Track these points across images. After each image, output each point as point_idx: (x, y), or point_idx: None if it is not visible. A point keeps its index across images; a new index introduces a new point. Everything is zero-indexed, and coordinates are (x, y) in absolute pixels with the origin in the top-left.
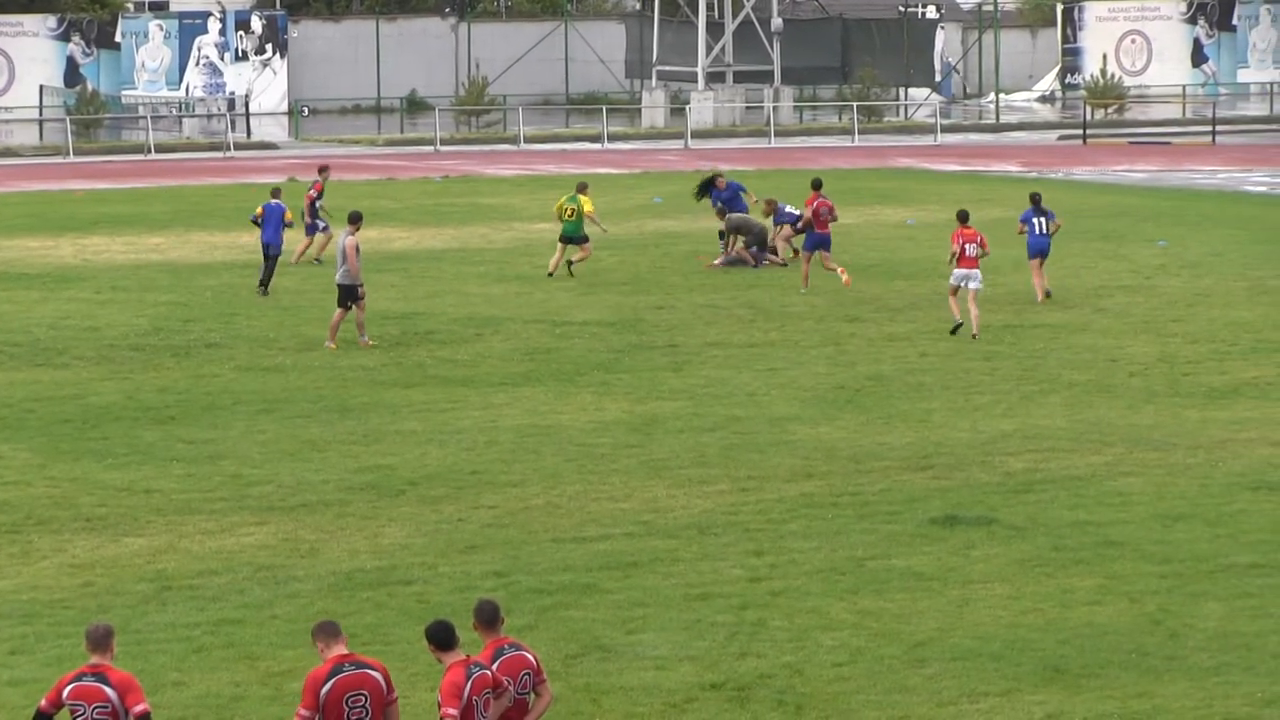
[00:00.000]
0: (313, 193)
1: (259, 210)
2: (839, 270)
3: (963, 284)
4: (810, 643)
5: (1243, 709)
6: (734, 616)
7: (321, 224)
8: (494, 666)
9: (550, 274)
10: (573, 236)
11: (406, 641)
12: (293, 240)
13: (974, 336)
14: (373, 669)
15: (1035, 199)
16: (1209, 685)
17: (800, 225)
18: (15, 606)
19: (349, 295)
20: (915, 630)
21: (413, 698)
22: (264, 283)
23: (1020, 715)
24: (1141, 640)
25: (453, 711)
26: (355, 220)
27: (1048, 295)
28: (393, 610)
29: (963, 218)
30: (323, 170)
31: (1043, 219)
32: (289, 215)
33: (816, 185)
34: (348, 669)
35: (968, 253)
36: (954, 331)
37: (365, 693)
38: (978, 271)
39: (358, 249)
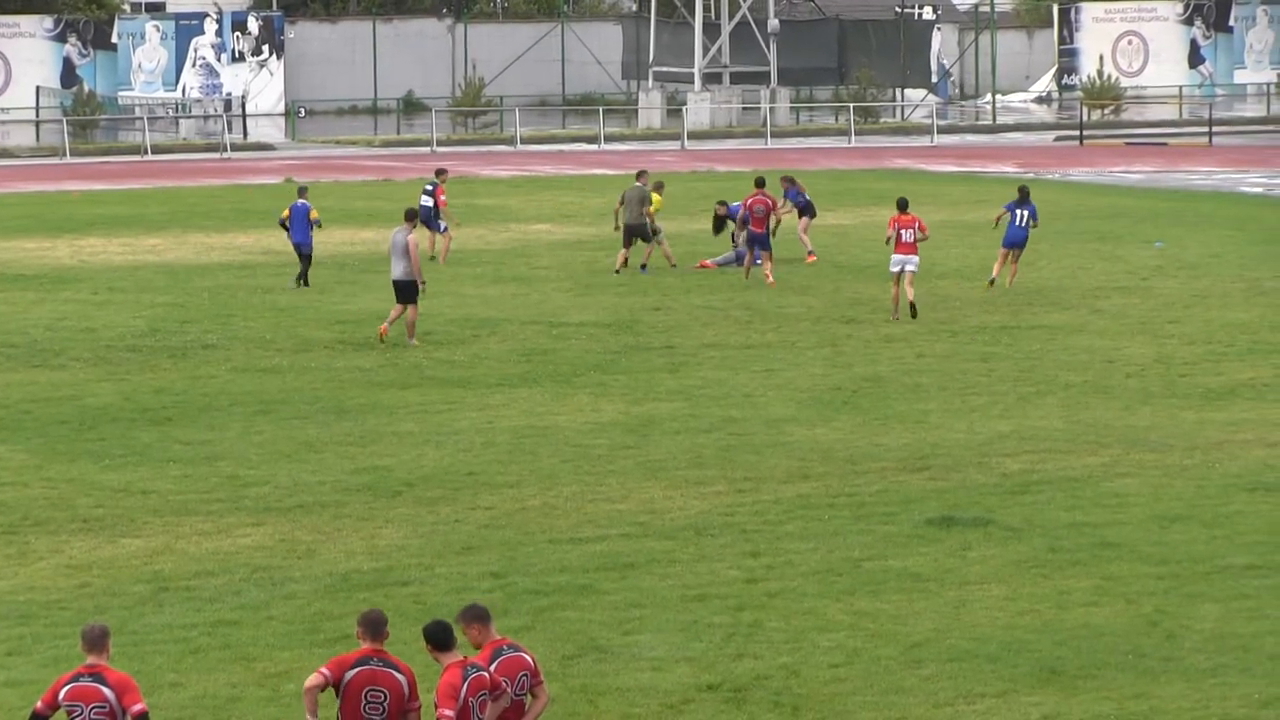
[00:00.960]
0: (444, 197)
1: (286, 212)
2: (767, 271)
3: (901, 268)
4: (807, 644)
5: (1239, 710)
6: (730, 618)
7: (442, 225)
8: (492, 667)
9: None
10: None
11: (403, 643)
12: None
13: (911, 305)
14: (399, 671)
15: (1023, 191)
16: (1206, 686)
17: (739, 223)
18: (12, 608)
19: (408, 292)
20: (912, 631)
21: None
22: (301, 277)
23: (1017, 716)
24: (1138, 641)
25: (449, 713)
26: (411, 218)
27: (991, 283)
28: (389, 611)
29: (901, 205)
30: (441, 173)
31: (1025, 211)
32: (315, 214)
33: (759, 183)
34: (374, 663)
35: (904, 238)
36: (894, 318)
37: (385, 691)
38: (915, 257)
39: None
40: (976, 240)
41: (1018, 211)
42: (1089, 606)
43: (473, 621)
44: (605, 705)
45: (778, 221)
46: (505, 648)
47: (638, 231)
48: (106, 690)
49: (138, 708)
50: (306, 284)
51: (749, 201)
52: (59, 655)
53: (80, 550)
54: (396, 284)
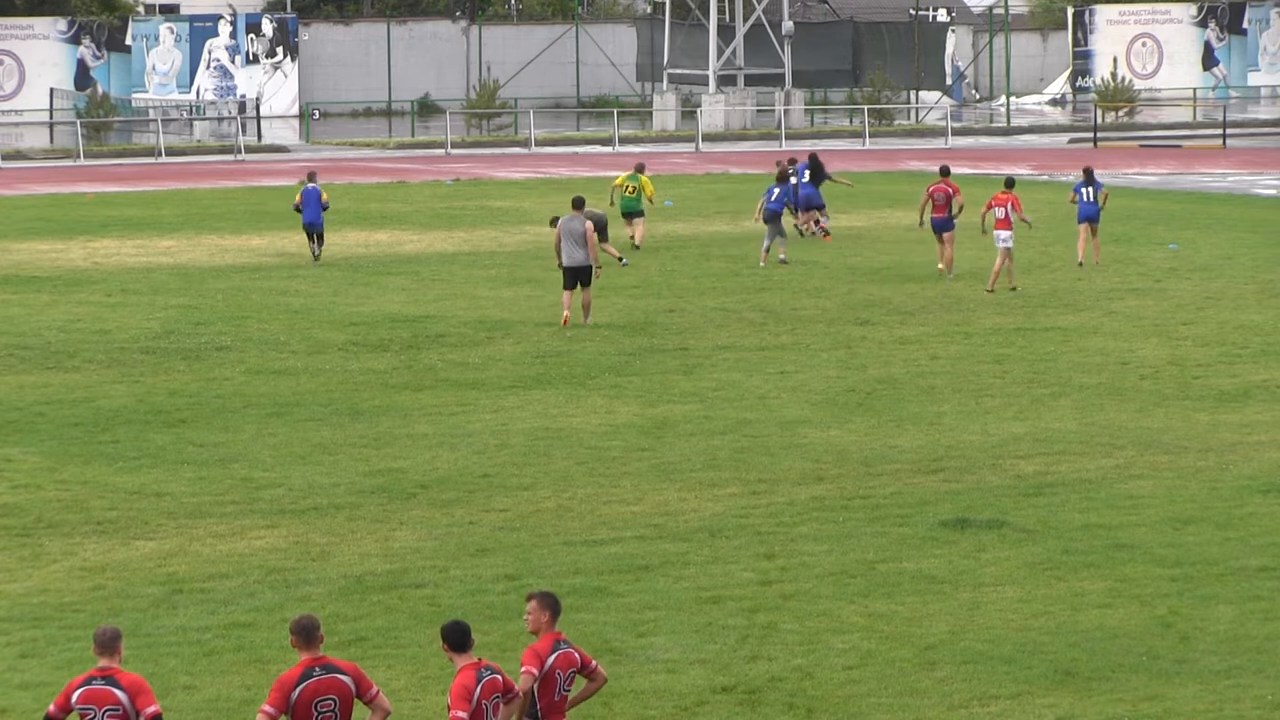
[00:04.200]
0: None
1: (298, 197)
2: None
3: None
4: (821, 646)
5: (1253, 712)
6: (745, 620)
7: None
8: (552, 657)
9: (621, 258)
10: (631, 211)
11: (417, 645)
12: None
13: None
14: (343, 673)
15: (1088, 171)
16: (1220, 688)
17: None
18: (26, 610)
19: (585, 275)
20: (926, 633)
21: (424, 701)
22: (315, 255)
23: (1031, 718)
24: (1152, 643)
25: (462, 714)
26: (580, 205)
27: (1080, 265)
28: (403, 614)
29: (1008, 183)
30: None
31: (1091, 189)
32: (325, 197)
33: (944, 172)
34: (318, 673)
35: (998, 215)
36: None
37: (335, 697)
38: (1011, 232)
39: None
40: (988, 242)
41: (1084, 190)
42: (1103, 608)
43: (546, 609)
44: (620, 708)
45: (960, 207)
46: (561, 642)
47: (582, 273)
48: (119, 693)
49: (151, 710)
50: (318, 258)
51: (930, 189)
52: (72, 658)
53: (94, 553)
54: (571, 269)
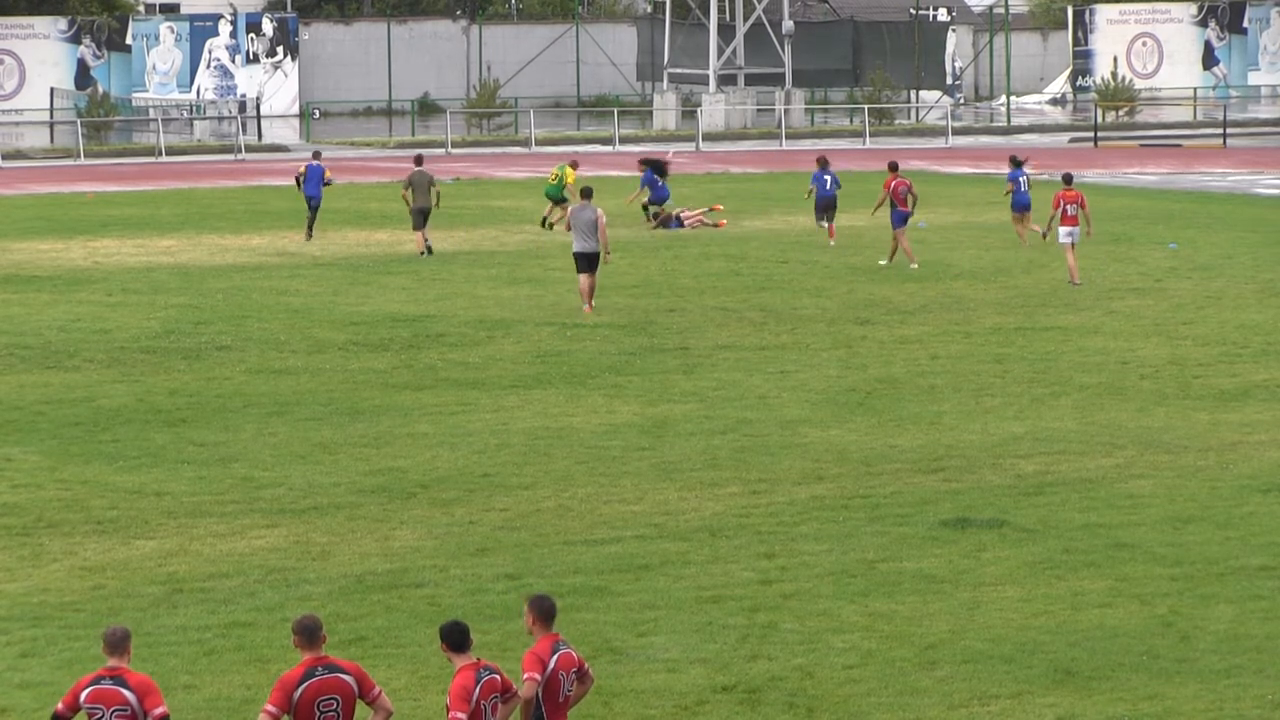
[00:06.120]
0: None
1: (303, 169)
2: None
3: (1070, 240)
4: (821, 645)
5: (1254, 711)
6: (745, 619)
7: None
8: (554, 659)
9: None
10: (553, 196)
11: (417, 644)
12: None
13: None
14: (346, 672)
15: (1015, 160)
16: (1220, 688)
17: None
18: (26, 609)
19: (594, 262)
20: (926, 633)
21: (423, 700)
22: (309, 228)
23: (1031, 717)
24: (1152, 643)
25: (461, 715)
26: (589, 195)
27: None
28: (404, 613)
29: (1066, 179)
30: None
31: (1025, 178)
32: (328, 174)
33: (892, 167)
34: (320, 673)
35: (1068, 212)
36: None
37: (337, 697)
38: (1077, 228)
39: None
40: (990, 242)
41: (1021, 179)
42: (1103, 608)
43: (540, 617)
44: (620, 707)
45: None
46: (560, 643)
47: (427, 214)
48: (128, 693)
49: (159, 711)
50: (310, 236)
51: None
52: (73, 657)
53: (94, 552)
54: (583, 255)
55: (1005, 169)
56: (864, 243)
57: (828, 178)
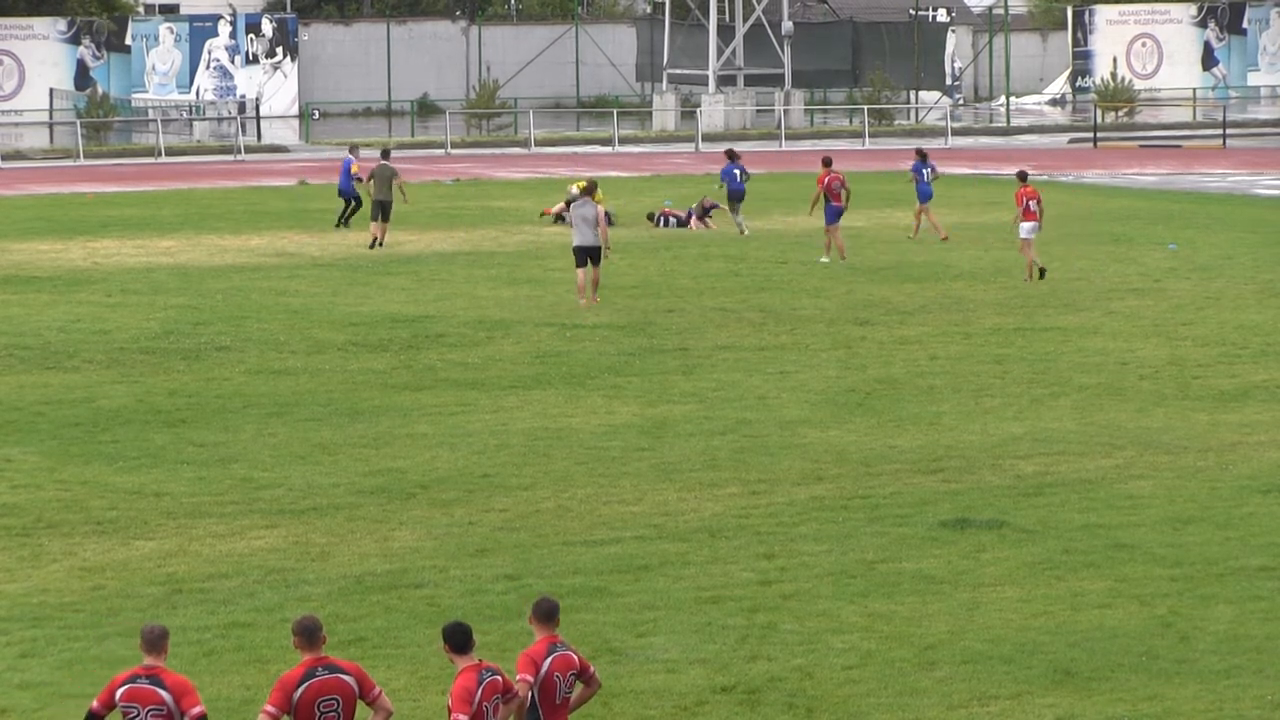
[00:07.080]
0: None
1: (357, 166)
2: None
3: (1029, 235)
4: (821, 646)
5: (1253, 712)
6: (744, 619)
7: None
8: (548, 661)
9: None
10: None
11: (417, 645)
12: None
13: (1040, 268)
14: (346, 673)
15: (921, 153)
16: (1219, 688)
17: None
18: (26, 610)
19: (591, 255)
20: (926, 633)
21: (423, 701)
22: (341, 219)
23: (1031, 718)
24: (1152, 643)
25: (463, 717)
26: (591, 190)
27: (908, 237)
28: (403, 614)
29: (1022, 176)
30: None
31: (928, 169)
32: (355, 168)
33: (825, 162)
34: (321, 673)
35: (1030, 208)
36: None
37: (337, 697)
38: (1037, 223)
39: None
40: (990, 241)
41: (924, 170)
42: (1103, 608)
43: (539, 617)
44: (619, 707)
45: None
46: (558, 645)
47: (387, 207)
48: (164, 693)
49: (196, 710)
50: (345, 225)
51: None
52: (72, 658)
53: (93, 553)
54: (583, 249)
55: (1005, 169)
56: (864, 243)
57: (737, 171)
